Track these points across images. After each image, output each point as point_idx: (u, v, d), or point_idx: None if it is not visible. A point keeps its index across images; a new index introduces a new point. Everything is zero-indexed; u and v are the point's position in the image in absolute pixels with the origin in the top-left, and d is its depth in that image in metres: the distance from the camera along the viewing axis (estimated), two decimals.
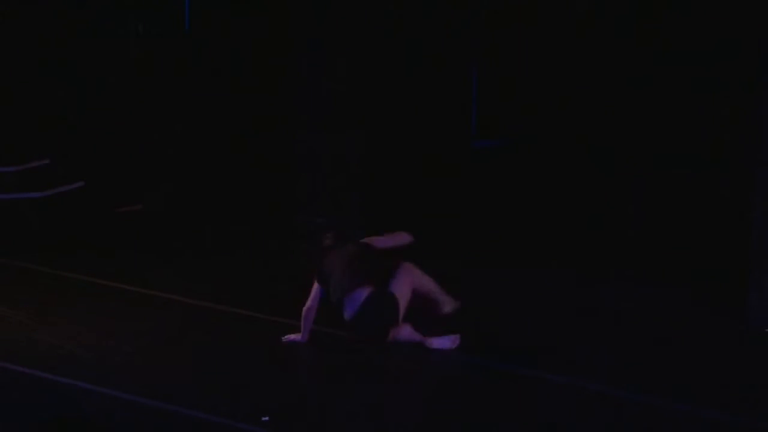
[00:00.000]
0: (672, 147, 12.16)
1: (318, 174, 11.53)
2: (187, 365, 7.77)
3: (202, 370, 7.67)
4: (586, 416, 6.94)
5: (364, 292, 7.83)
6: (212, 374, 7.60)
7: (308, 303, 8.10)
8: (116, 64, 13.00)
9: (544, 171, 12.61)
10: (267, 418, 6.73)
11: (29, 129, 12.53)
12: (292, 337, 8.16)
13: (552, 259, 10.65)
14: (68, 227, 11.68)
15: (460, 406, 7.13)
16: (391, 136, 12.26)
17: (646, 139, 12.36)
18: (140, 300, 9.39)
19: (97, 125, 12.89)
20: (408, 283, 7.91)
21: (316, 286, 8.11)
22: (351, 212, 11.53)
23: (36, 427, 6.61)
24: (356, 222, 11.48)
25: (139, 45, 13.18)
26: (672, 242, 10.97)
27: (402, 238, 8.35)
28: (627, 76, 12.31)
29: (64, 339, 8.23)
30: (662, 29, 12.05)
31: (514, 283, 9.92)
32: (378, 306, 7.79)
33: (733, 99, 11.28)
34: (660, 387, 7.38)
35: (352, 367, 7.54)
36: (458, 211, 11.87)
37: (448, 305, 8.18)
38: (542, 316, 8.99)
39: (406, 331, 7.92)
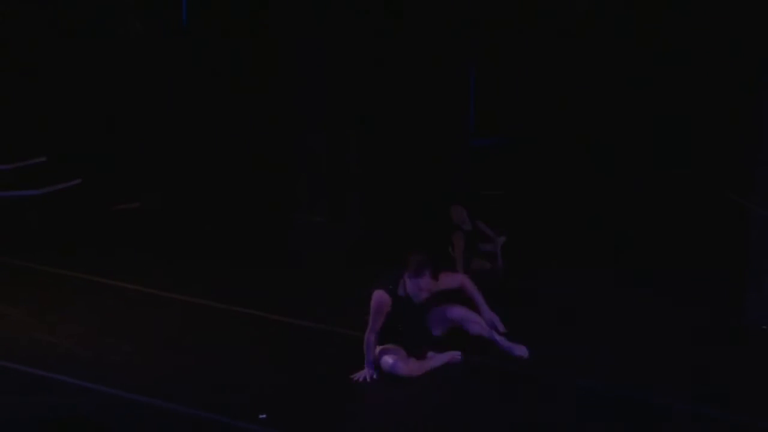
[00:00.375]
0: (671, 147, 12.17)
1: (317, 174, 11.53)
2: (186, 363, 7.75)
3: (201, 369, 7.65)
4: (585, 416, 6.94)
5: None
6: (211, 372, 7.58)
7: None
8: (114, 63, 12.98)
9: (543, 170, 12.61)
10: (264, 416, 6.73)
11: (26, 127, 12.50)
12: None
13: (551, 259, 10.63)
14: (67, 225, 11.66)
15: (460, 406, 7.12)
16: (389, 134, 12.26)
17: (646, 139, 12.37)
18: (139, 298, 9.37)
19: (94, 123, 12.87)
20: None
21: None
22: (351, 212, 11.53)
23: (35, 425, 6.60)
24: (356, 222, 11.48)
25: (137, 44, 13.15)
26: (672, 241, 10.96)
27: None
28: (627, 76, 12.31)
29: (62, 337, 8.21)
30: (662, 29, 12.06)
31: (513, 282, 9.90)
32: None
33: (733, 99, 11.28)
34: (659, 385, 7.37)
35: (350, 366, 7.52)
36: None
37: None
38: (540, 315, 8.96)
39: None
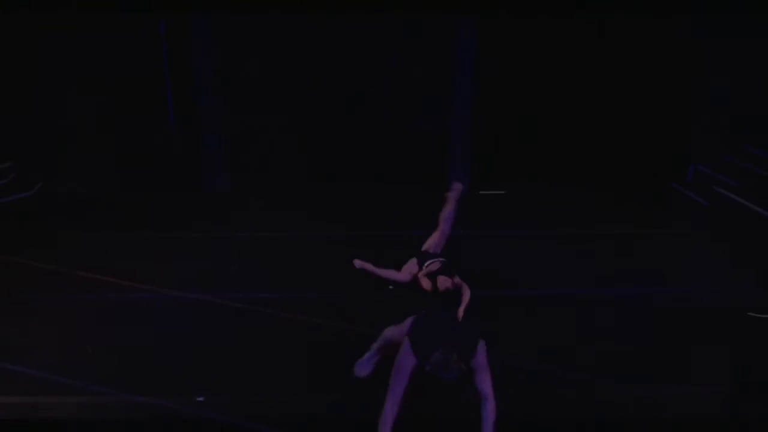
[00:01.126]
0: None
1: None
2: (120, 346, 7.60)
3: (135, 351, 7.49)
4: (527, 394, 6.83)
5: None
6: (146, 355, 7.43)
7: None
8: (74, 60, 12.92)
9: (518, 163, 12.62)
10: (202, 398, 6.68)
11: None
12: None
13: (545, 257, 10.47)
14: (32, 216, 11.52)
15: (445, 401, 6.91)
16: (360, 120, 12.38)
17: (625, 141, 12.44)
18: (93, 287, 9.15)
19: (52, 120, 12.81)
20: None
21: None
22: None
23: None
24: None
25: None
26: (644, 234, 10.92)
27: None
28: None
29: (16, 328, 8.02)
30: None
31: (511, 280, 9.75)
32: None
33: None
34: (620, 368, 7.33)
35: (316, 354, 7.42)
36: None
37: None
38: (528, 310, 8.76)
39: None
